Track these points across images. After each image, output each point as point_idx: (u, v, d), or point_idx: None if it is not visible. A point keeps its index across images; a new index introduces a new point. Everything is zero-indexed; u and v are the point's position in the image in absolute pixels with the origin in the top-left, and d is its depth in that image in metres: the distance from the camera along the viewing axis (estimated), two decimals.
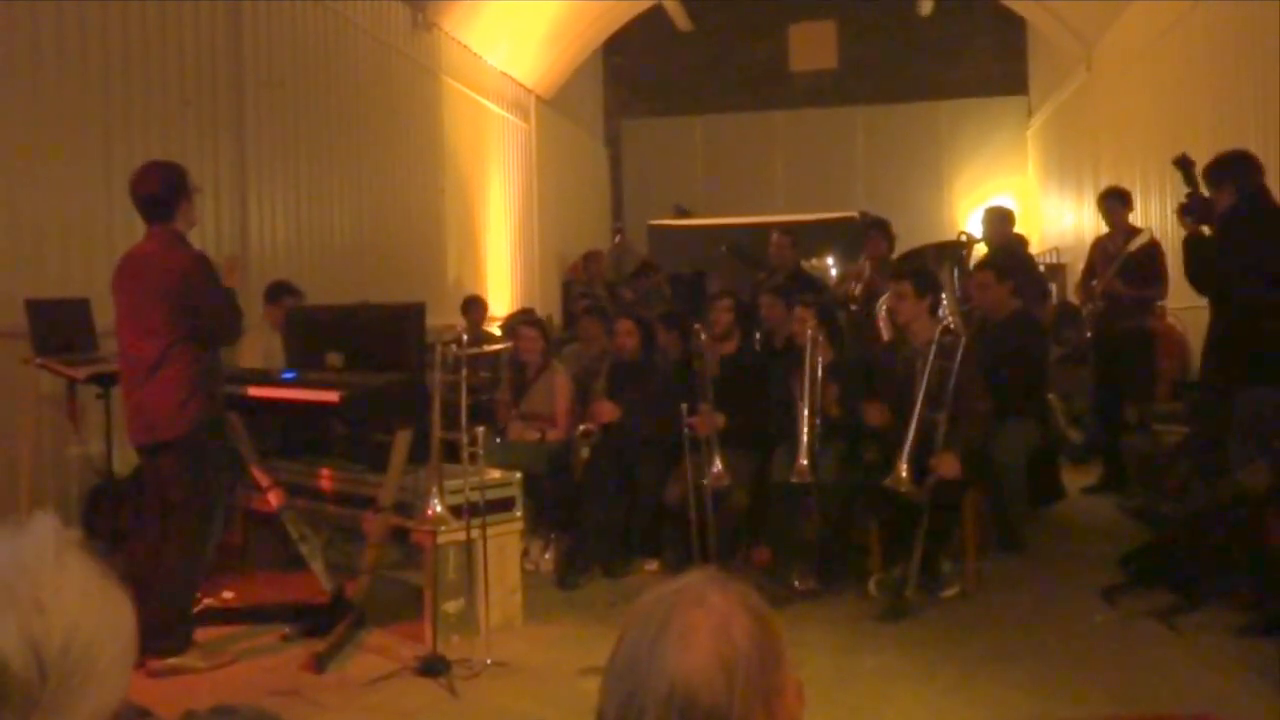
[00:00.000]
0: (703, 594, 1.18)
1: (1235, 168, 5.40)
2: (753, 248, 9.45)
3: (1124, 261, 7.32)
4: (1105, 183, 8.74)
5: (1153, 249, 7.39)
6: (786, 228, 9.15)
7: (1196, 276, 5.61)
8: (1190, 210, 5.51)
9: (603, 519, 5.97)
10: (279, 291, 6.85)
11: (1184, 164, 5.53)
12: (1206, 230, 5.48)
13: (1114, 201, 7.70)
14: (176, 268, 4.47)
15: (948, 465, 5.18)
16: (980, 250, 8.72)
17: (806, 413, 5.50)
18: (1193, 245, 5.53)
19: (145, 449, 4.64)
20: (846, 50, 16.25)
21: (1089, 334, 7.79)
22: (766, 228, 9.98)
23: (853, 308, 8.14)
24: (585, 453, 6.16)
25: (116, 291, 4.62)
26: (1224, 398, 5.36)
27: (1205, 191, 5.50)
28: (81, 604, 1.03)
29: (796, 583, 5.44)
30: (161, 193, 4.52)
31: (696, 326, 6.06)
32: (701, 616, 1.16)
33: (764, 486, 5.90)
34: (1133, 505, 6.79)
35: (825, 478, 5.53)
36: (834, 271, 10.63)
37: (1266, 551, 4.78)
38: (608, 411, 6.26)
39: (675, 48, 16.66)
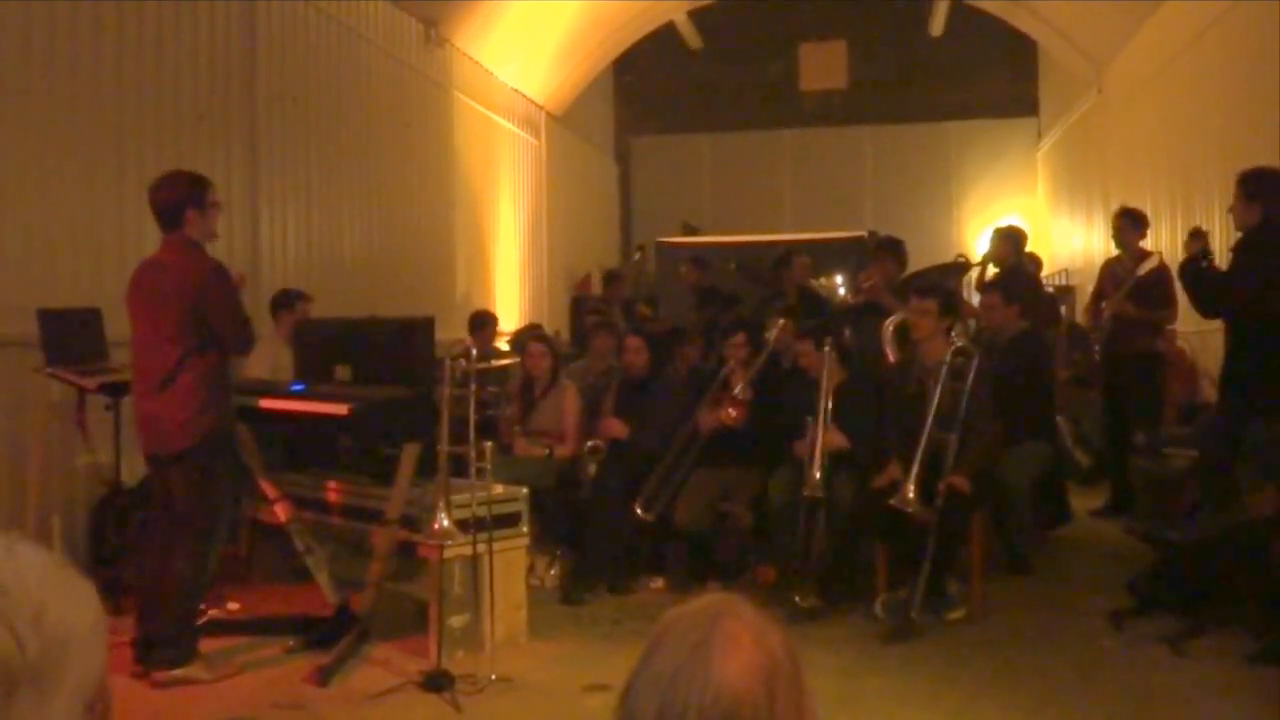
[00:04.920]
0: (738, 608, 1.24)
1: (1270, 187, 5.37)
2: (761, 266, 9.44)
3: (1133, 285, 7.31)
4: (1115, 205, 8.72)
5: (1162, 273, 7.36)
6: (801, 248, 9.14)
7: (1203, 302, 5.63)
8: (1188, 277, 5.68)
9: (609, 535, 5.97)
10: (287, 299, 6.84)
11: (1198, 240, 5.77)
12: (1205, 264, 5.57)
13: (1127, 222, 7.65)
14: (193, 276, 4.48)
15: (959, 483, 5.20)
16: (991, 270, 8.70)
17: (820, 429, 5.50)
18: (1190, 276, 5.62)
19: (155, 459, 4.65)
20: (856, 70, 16.28)
21: (1098, 356, 7.77)
22: (775, 246, 9.95)
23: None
24: (592, 469, 6.17)
25: (132, 300, 4.63)
26: (1235, 423, 5.34)
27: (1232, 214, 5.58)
28: (42, 581, 1.04)
29: (798, 599, 5.41)
30: (177, 200, 4.53)
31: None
32: (741, 627, 1.21)
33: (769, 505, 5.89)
34: (1140, 529, 6.74)
35: (839, 494, 5.52)
36: (841, 290, 10.63)
37: (1274, 578, 4.77)
38: (617, 429, 6.28)
39: (686, 66, 16.70)
